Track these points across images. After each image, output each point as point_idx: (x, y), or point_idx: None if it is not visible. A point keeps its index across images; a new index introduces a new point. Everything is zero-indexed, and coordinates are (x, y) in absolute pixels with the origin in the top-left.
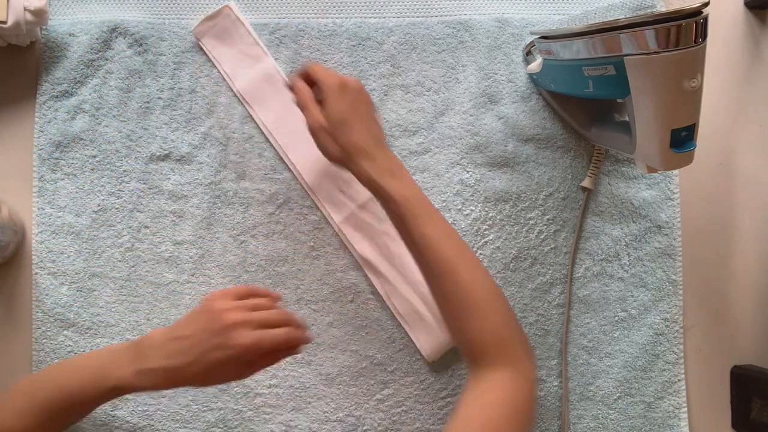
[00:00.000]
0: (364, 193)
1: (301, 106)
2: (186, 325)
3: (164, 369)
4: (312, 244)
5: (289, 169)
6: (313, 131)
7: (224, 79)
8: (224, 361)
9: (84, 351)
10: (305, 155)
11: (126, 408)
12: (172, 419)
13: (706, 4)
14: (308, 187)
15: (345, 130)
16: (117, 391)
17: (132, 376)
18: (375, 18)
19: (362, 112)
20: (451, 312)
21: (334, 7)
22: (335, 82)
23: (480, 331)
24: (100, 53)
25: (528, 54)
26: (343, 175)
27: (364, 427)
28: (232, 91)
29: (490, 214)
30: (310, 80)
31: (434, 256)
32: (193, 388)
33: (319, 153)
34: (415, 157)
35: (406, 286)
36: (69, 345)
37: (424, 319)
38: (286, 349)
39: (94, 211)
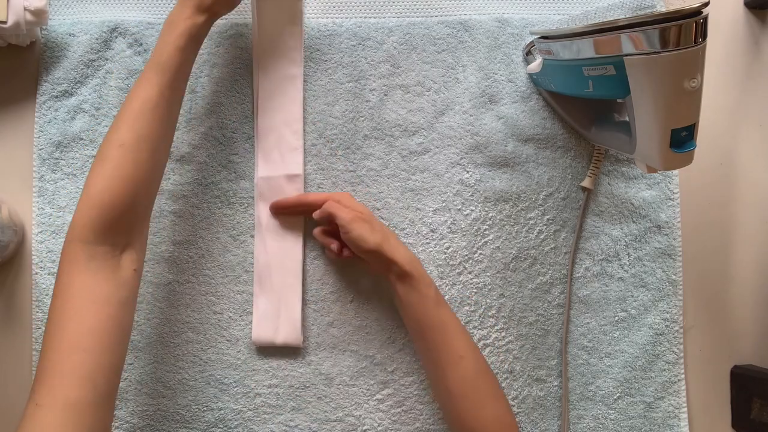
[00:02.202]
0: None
1: (332, 211)
2: None
3: None
4: (312, 243)
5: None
6: (351, 222)
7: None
8: None
9: None
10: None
11: (126, 408)
12: (172, 419)
13: (706, 4)
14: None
15: (377, 227)
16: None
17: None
18: (375, 18)
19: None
20: (462, 400)
21: (334, 7)
22: (347, 215)
23: (495, 418)
24: (100, 53)
25: (528, 54)
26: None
27: (364, 427)
28: (232, 90)
29: (490, 214)
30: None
31: (446, 346)
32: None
33: None
34: (415, 157)
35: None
36: None
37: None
38: None
39: None
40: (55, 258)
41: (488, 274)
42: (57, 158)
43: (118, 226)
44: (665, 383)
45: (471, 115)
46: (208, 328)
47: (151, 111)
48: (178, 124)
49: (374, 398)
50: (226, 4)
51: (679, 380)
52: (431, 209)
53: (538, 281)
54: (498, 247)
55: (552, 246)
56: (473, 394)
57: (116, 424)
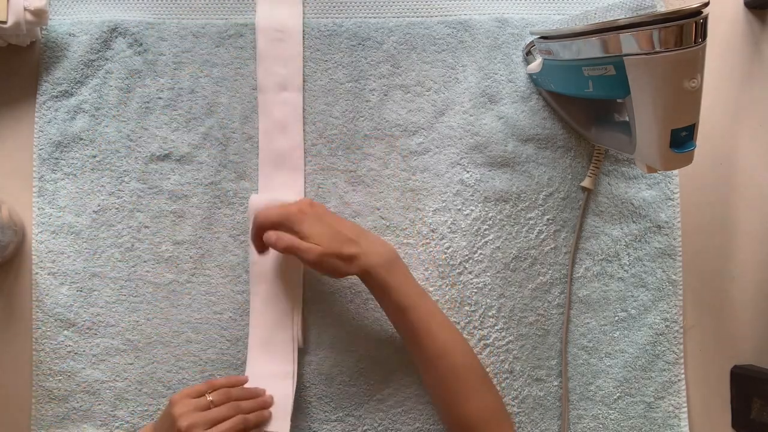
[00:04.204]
0: None
1: (291, 249)
2: (156, 429)
3: None
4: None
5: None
6: (318, 261)
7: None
8: None
9: (84, 351)
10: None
11: (126, 408)
12: None
13: (706, 4)
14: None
15: (341, 239)
16: None
17: None
18: (375, 18)
19: (331, 216)
20: (448, 393)
21: (334, 7)
22: (292, 212)
23: (482, 409)
24: (100, 53)
25: (528, 54)
26: None
27: (364, 427)
28: (233, 90)
29: (490, 214)
30: (271, 228)
31: (431, 341)
32: None
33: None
34: (415, 157)
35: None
36: (69, 345)
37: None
38: (246, 430)
39: (94, 211)
40: (55, 258)
41: (488, 274)
42: (57, 158)
43: None
44: (665, 383)
45: (471, 115)
46: (208, 328)
47: None
48: (177, 125)
49: (374, 398)
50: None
51: (679, 380)
52: (431, 209)
53: (538, 281)
54: (498, 247)
55: (552, 246)
56: (459, 385)
57: (116, 424)
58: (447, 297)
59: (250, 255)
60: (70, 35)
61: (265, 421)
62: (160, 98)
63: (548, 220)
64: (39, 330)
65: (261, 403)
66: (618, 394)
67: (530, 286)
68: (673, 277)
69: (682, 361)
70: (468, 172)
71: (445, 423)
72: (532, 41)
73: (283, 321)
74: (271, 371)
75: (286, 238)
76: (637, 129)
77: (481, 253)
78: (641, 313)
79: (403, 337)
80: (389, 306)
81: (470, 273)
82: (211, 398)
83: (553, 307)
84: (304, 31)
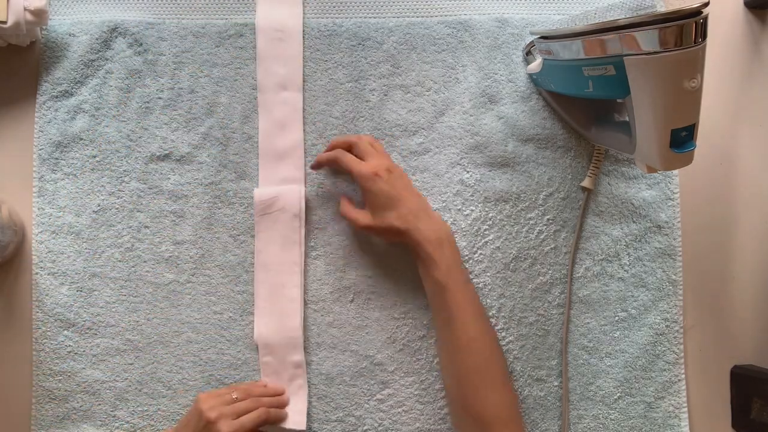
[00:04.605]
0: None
1: (346, 214)
2: (181, 428)
3: None
4: (312, 243)
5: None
6: (366, 229)
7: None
8: None
9: (84, 351)
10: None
11: (126, 408)
12: (173, 419)
13: (706, 4)
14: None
15: (397, 212)
16: None
17: None
18: (375, 18)
19: (400, 186)
20: (469, 387)
21: (334, 7)
22: (366, 175)
23: (501, 406)
24: (100, 53)
25: (528, 54)
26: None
27: (364, 427)
28: (232, 90)
29: (490, 214)
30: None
31: (463, 330)
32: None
33: None
34: (415, 157)
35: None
36: (69, 345)
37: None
38: (268, 422)
39: (94, 211)
40: (55, 258)
41: (488, 274)
42: (57, 158)
43: None
44: (665, 383)
45: (471, 115)
46: (209, 328)
47: None
48: (177, 125)
49: (374, 398)
50: None
51: (679, 380)
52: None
53: (539, 281)
54: (498, 247)
55: (552, 246)
56: (482, 380)
57: (116, 424)
58: None
59: (256, 243)
60: (70, 35)
61: (284, 417)
62: (160, 98)
63: (548, 220)
64: (39, 330)
65: (280, 401)
66: (618, 394)
67: (530, 286)
68: (673, 277)
69: (682, 361)
70: (468, 172)
71: (457, 415)
72: (532, 41)
73: (289, 309)
74: (282, 361)
75: (346, 206)
76: (637, 129)
77: (481, 254)
78: (641, 313)
79: (436, 321)
80: (429, 282)
81: (470, 273)
82: (235, 395)
83: (553, 307)
84: (304, 31)
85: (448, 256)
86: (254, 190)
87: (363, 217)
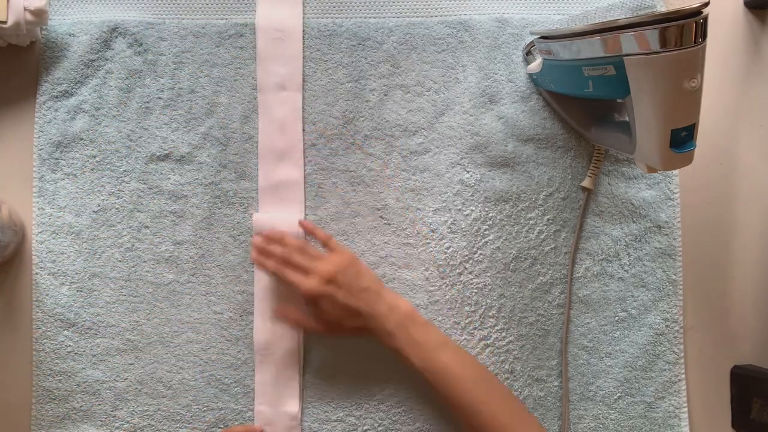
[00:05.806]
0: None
1: (299, 323)
2: None
3: None
4: (312, 243)
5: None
6: (322, 333)
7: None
8: None
9: (84, 351)
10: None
11: (126, 408)
12: (173, 419)
13: (706, 4)
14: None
15: (347, 315)
16: None
17: None
18: (375, 18)
19: (345, 292)
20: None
21: (334, 7)
22: (310, 293)
23: None
24: (100, 53)
25: (528, 54)
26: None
27: (364, 427)
28: (232, 91)
29: (490, 214)
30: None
31: (456, 399)
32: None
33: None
34: (415, 157)
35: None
36: (69, 345)
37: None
38: None
39: (94, 211)
40: (56, 258)
41: (488, 274)
42: (57, 158)
43: None
44: (665, 383)
45: (471, 115)
46: (209, 328)
47: None
48: (177, 125)
49: (374, 398)
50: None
51: (679, 380)
52: (431, 209)
53: (539, 281)
54: (498, 247)
55: (552, 246)
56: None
57: (116, 424)
58: (447, 297)
59: (255, 273)
60: (70, 35)
61: None
62: (160, 98)
63: (548, 220)
64: (39, 330)
65: None
66: (618, 394)
67: (530, 286)
68: (673, 277)
69: (682, 361)
70: (468, 172)
71: None
72: (532, 41)
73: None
74: (279, 346)
75: (295, 315)
76: (637, 129)
77: (481, 254)
78: (641, 313)
79: (439, 400)
80: (410, 369)
81: (470, 273)
82: None
83: (553, 307)
84: (304, 31)
85: (408, 340)
86: (254, 214)
87: (320, 326)
